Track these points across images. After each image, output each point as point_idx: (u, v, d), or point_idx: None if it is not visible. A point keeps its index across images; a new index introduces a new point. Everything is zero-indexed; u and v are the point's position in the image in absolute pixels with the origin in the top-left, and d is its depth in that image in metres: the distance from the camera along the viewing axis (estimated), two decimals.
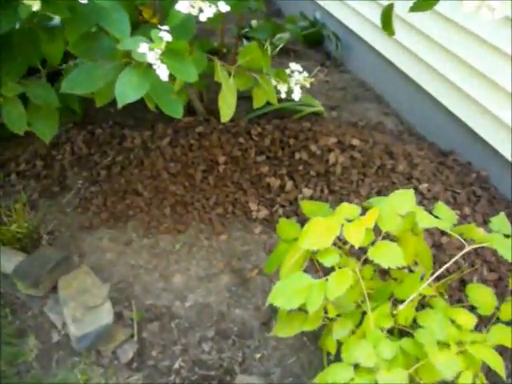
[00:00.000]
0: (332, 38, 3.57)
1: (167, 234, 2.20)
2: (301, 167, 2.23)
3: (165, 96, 1.27)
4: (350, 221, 1.32)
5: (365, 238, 1.26)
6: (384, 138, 2.38)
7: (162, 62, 1.10)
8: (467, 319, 1.32)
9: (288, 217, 2.17)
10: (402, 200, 1.37)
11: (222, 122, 1.52)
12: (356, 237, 1.25)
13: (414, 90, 2.97)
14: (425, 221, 1.31)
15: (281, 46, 3.57)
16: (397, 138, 2.67)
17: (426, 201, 2.06)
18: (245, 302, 1.97)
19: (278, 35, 3.61)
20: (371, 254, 1.26)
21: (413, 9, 1.53)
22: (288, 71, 1.67)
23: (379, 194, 2.11)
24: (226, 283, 2.03)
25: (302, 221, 2.12)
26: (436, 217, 1.37)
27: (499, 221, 1.41)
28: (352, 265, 1.29)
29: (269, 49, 3.49)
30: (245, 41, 3.58)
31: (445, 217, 1.37)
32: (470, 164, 2.55)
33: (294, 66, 1.67)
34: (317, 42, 3.79)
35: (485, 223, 2.11)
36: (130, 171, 2.38)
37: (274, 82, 1.64)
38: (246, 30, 3.56)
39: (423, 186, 2.08)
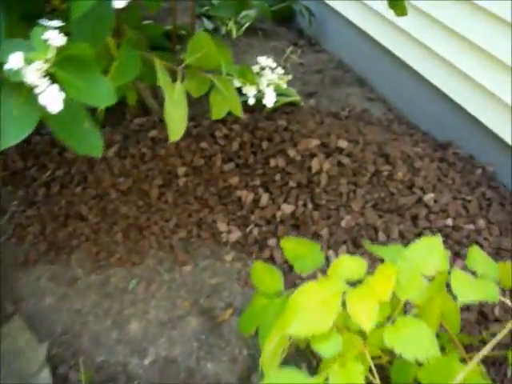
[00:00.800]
0: (305, 14, 3.15)
1: (120, 268, 1.80)
2: (277, 177, 1.84)
3: (74, 126, 0.86)
4: (353, 284, 0.94)
5: (379, 314, 0.88)
6: (375, 134, 2.00)
7: (54, 79, 0.70)
8: None
9: (265, 239, 1.79)
10: (427, 252, 0.99)
11: (171, 142, 1.12)
12: (366, 316, 0.87)
13: (401, 70, 2.59)
14: (464, 291, 0.92)
15: (247, 24, 3.15)
16: (387, 130, 2.29)
17: (432, 215, 1.70)
18: (218, 353, 1.59)
19: (244, 12, 3.17)
20: (389, 339, 0.89)
21: None
22: (257, 68, 1.27)
23: (375, 207, 1.74)
24: (194, 329, 1.65)
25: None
26: (473, 273, 0.99)
27: None
28: (360, 349, 0.91)
29: (233, 29, 3.07)
30: (205, 20, 3.14)
31: (483, 268, 1.00)
32: (472, 158, 2.20)
33: (265, 60, 1.26)
34: (288, 19, 3.37)
35: (501, 235, 1.77)
36: (71, 190, 1.96)
37: (238, 84, 1.23)
38: (206, 8, 3.11)
39: (429, 197, 1.72)
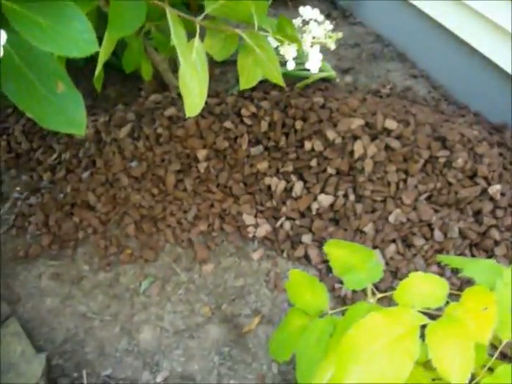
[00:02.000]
0: None
1: (131, 265, 1.57)
2: (314, 162, 1.58)
3: (40, 89, 0.60)
4: (432, 317, 0.69)
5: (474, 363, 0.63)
6: (426, 114, 1.72)
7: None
8: None
9: (298, 235, 1.54)
10: None
11: (188, 117, 0.87)
12: (459, 366, 0.62)
13: (448, 42, 2.29)
14: None
15: None
16: (435, 110, 2.01)
17: (500, 211, 1.42)
18: (243, 370, 1.36)
19: None
20: None
21: None
22: (298, 21, 1.00)
23: (430, 200, 1.47)
24: (215, 340, 1.41)
25: (322, 242, 1.49)
26: None
27: None
28: None
29: None
30: None
31: None
32: None
33: (309, 12, 0.99)
34: None
35: None
36: (78, 175, 1.73)
37: (273, 43, 0.97)
38: None
39: (495, 189, 1.44)
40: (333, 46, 1.00)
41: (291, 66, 0.98)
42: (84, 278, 1.56)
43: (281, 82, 1.00)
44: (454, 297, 0.82)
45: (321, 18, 1.00)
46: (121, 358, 1.40)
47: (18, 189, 1.86)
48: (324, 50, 1.54)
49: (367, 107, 1.65)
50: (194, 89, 0.81)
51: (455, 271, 1.35)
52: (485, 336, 0.64)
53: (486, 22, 2.02)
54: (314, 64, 0.97)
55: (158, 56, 1.82)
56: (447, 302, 0.74)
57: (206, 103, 1.77)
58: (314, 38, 0.96)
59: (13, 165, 1.92)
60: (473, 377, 0.67)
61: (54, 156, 1.88)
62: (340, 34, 1.01)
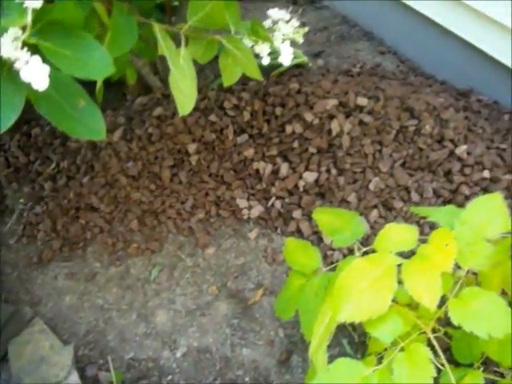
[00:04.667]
0: None
1: (139, 257, 1.70)
2: (296, 144, 1.71)
3: (67, 106, 0.73)
4: (406, 257, 0.83)
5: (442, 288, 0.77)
6: (394, 88, 1.86)
7: (34, 50, 0.58)
8: None
9: (289, 211, 1.67)
10: (488, 213, 0.87)
11: (181, 116, 0.99)
12: (429, 292, 0.76)
13: (411, 18, 2.43)
14: None
15: None
16: (403, 83, 2.15)
17: (467, 169, 1.57)
18: (253, 338, 1.50)
19: None
20: (455, 315, 0.77)
21: None
22: (268, 22, 1.13)
23: (404, 166, 1.61)
24: (225, 314, 1.55)
25: (311, 215, 1.63)
26: None
27: None
28: (418, 327, 0.80)
29: None
30: None
31: None
32: (497, 103, 2.05)
33: (276, 13, 1.13)
34: None
35: None
36: (78, 180, 1.85)
37: (249, 44, 1.10)
38: None
39: (461, 149, 1.58)
40: (301, 41, 1.13)
41: (266, 61, 1.11)
42: (97, 274, 1.69)
43: (259, 76, 1.13)
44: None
45: (287, 16, 1.13)
46: (141, 342, 1.53)
47: (21, 200, 1.97)
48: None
49: (339, 87, 1.79)
50: (184, 90, 0.94)
51: (432, 227, 1.49)
52: (448, 266, 0.78)
53: None
54: (286, 58, 1.10)
55: (140, 61, 1.94)
56: (419, 246, 0.88)
57: None
58: (283, 35, 1.09)
59: (13, 178, 2.03)
60: (443, 300, 0.81)
61: (53, 166, 1.99)
62: (306, 29, 1.14)
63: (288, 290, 1.10)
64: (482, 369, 0.93)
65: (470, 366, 0.99)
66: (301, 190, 1.66)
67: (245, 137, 1.79)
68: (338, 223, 1.07)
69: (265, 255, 1.65)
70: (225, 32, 1.09)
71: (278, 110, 1.77)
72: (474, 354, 0.94)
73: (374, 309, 0.78)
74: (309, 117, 1.70)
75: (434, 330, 0.94)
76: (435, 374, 0.79)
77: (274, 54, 1.33)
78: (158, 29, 0.94)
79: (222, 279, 1.62)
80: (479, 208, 0.88)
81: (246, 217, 1.70)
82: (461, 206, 1.54)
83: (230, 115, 1.84)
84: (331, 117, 1.68)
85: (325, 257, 1.59)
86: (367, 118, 1.65)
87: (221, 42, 1.06)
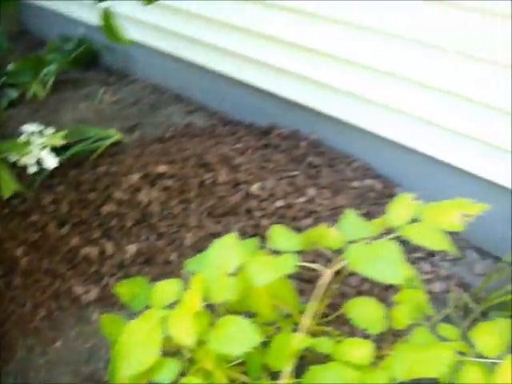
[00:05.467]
0: (107, 51, 3.16)
1: None
2: (114, 222, 1.85)
3: None
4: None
5: (196, 326, 0.93)
6: (196, 146, 2.06)
7: None
8: (363, 352, 1.05)
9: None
10: (225, 251, 1.05)
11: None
12: (186, 333, 0.92)
13: (208, 75, 2.70)
14: (261, 273, 0.99)
15: (52, 81, 3.09)
16: (210, 136, 2.37)
17: (263, 203, 1.78)
18: None
19: (45, 69, 3.12)
20: (213, 341, 0.93)
21: None
22: (24, 137, 1.26)
23: (211, 216, 1.80)
24: None
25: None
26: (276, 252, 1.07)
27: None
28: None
29: (39, 90, 3.01)
30: (8, 90, 3.05)
31: (284, 244, 1.08)
32: (297, 132, 2.33)
33: (30, 126, 1.26)
34: (92, 61, 3.35)
35: (335, 195, 1.90)
36: None
37: (13, 158, 1.22)
38: (3, 78, 3.02)
39: (255, 187, 1.80)
40: (61, 142, 1.28)
41: (32, 170, 1.24)
42: None
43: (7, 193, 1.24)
44: None
45: (41, 127, 1.28)
46: None
47: None
48: (108, 115, 1.77)
49: (143, 160, 1.96)
50: None
51: None
52: (197, 306, 0.95)
53: (231, 53, 2.45)
54: (50, 163, 1.24)
55: None
56: None
57: (9, 203, 1.97)
58: (40, 144, 1.24)
59: None
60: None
61: None
62: (64, 132, 1.29)
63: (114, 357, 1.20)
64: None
65: None
66: (128, 262, 1.78)
67: (67, 227, 1.89)
68: (135, 291, 1.21)
69: None
70: None
71: (92, 195, 1.90)
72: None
73: (146, 360, 0.92)
74: (119, 194, 1.84)
75: None
76: None
77: (87, 139, 1.45)
78: None
79: (76, 367, 1.68)
80: (218, 248, 1.06)
81: (84, 302, 1.79)
82: (264, 237, 1.75)
83: (50, 211, 1.93)
84: (138, 189, 1.84)
85: None
86: (169, 183, 1.83)
87: None
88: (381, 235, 1.10)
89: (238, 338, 0.94)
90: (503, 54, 1.61)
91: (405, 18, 1.79)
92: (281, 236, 1.13)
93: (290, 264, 1.00)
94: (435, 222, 1.06)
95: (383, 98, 1.96)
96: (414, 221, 1.09)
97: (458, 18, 1.66)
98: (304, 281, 1.62)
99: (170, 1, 2.59)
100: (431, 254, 1.93)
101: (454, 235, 1.15)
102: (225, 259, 1.04)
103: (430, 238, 1.03)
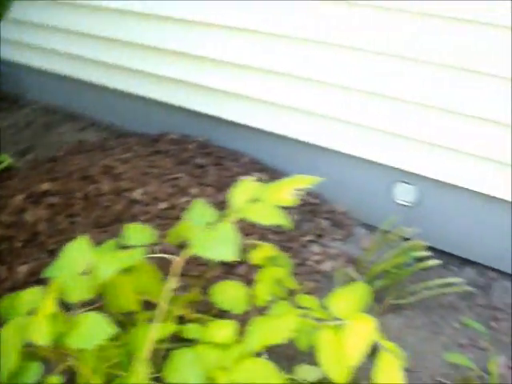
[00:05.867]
0: None
1: None
2: (4, 245, 1.86)
3: None
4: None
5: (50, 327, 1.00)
6: (82, 161, 2.11)
7: None
8: (226, 332, 1.14)
9: None
10: (76, 254, 1.13)
11: None
12: (39, 334, 0.98)
13: (96, 91, 2.74)
14: (109, 267, 1.07)
15: None
16: (101, 150, 2.41)
17: (148, 207, 1.85)
18: None
19: None
20: (70, 339, 1.00)
21: None
22: None
23: (97, 226, 1.85)
24: None
25: None
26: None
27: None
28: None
29: None
30: None
31: (138, 239, 1.17)
32: (187, 136, 2.41)
33: None
34: None
35: (218, 191, 1.99)
36: None
37: None
38: None
39: (138, 193, 1.87)
40: None
41: None
42: None
43: None
44: None
45: None
46: None
47: None
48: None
49: (28, 181, 1.98)
50: None
51: None
52: (52, 309, 1.01)
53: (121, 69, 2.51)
54: None
55: None
56: None
57: None
58: None
59: None
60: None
61: None
62: None
63: None
64: None
65: None
66: (20, 282, 1.80)
67: None
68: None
69: None
70: None
71: None
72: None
73: (8, 366, 0.99)
74: (5, 218, 1.86)
75: None
76: None
77: None
78: None
79: None
80: (70, 252, 1.13)
81: None
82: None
83: None
84: (24, 210, 1.86)
85: None
86: (54, 199, 1.86)
87: None
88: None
89: (92, 332, 1.01)
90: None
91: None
92: (136, 232, 1.20)
93: (136, 256, 1.08)
94: (272, 199, 1.16)
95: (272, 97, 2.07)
96: (256, 201, 1.19)
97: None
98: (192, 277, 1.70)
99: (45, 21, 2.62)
100: (320, 235, 2.05)
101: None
102: (77, 260, 1.10)
103: (266, 215, 1.14)
